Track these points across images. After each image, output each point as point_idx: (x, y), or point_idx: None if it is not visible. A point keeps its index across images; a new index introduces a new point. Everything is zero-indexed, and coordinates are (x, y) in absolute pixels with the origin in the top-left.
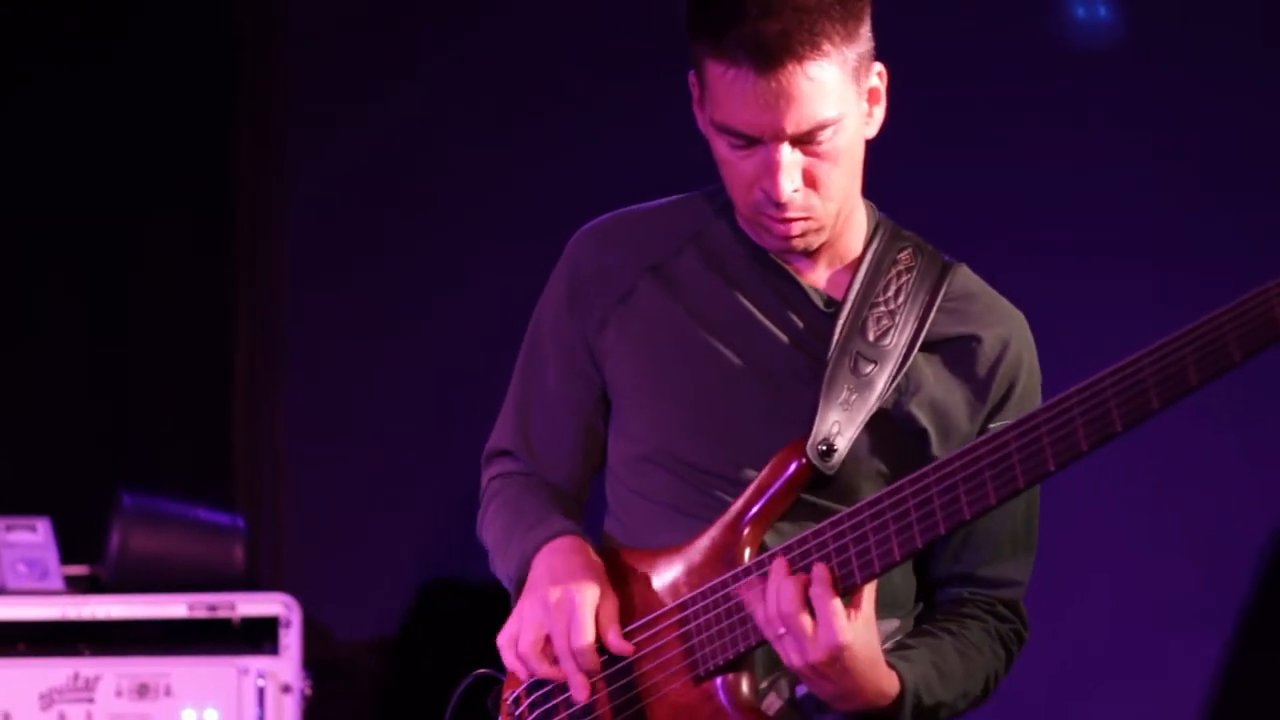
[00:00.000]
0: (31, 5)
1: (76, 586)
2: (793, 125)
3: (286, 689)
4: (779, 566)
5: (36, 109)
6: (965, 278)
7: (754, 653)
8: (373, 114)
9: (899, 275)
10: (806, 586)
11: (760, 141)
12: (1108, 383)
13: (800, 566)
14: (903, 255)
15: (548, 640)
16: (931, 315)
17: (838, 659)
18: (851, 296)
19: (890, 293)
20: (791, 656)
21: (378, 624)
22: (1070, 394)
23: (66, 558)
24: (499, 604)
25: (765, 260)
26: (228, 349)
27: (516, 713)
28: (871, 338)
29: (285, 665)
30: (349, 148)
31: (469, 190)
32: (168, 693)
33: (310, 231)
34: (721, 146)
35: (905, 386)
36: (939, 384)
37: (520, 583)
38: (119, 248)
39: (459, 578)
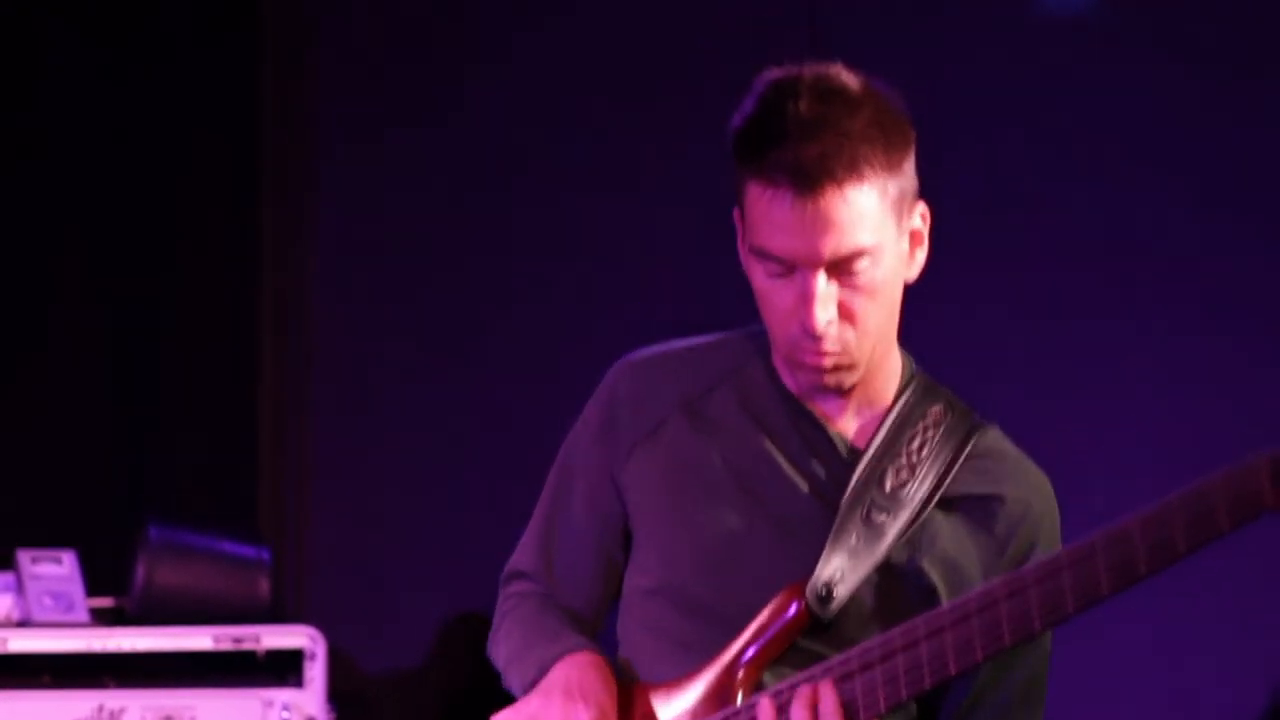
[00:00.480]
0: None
1: (102, 619)
2: (829, 250)
3: None
4: (765, 708)
5: (55, 114)
6: (994, 438)
7: None
8: (403, 116)
9: (925, 429)
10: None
11: (796, 269)
12: (1099, 544)
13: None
14: (934, 410)
15: None
16: (953, 472)
17: None
18: (874, 446)
19: (914, 445)
20: None
21: (402, 655)
22: (1061, 555)
23: (92, 590)
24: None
25: (795, 405)
26: (253, 382)
27: None
28: (888, 488)
29: (310, 697)
30: (377, 148)
31: (502, 206)
32: None
33: (337, 259)
34: (759, 276)
35: (918, 540)
36: (953, 541)
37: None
38: (143, 280)
39: (482, 610)
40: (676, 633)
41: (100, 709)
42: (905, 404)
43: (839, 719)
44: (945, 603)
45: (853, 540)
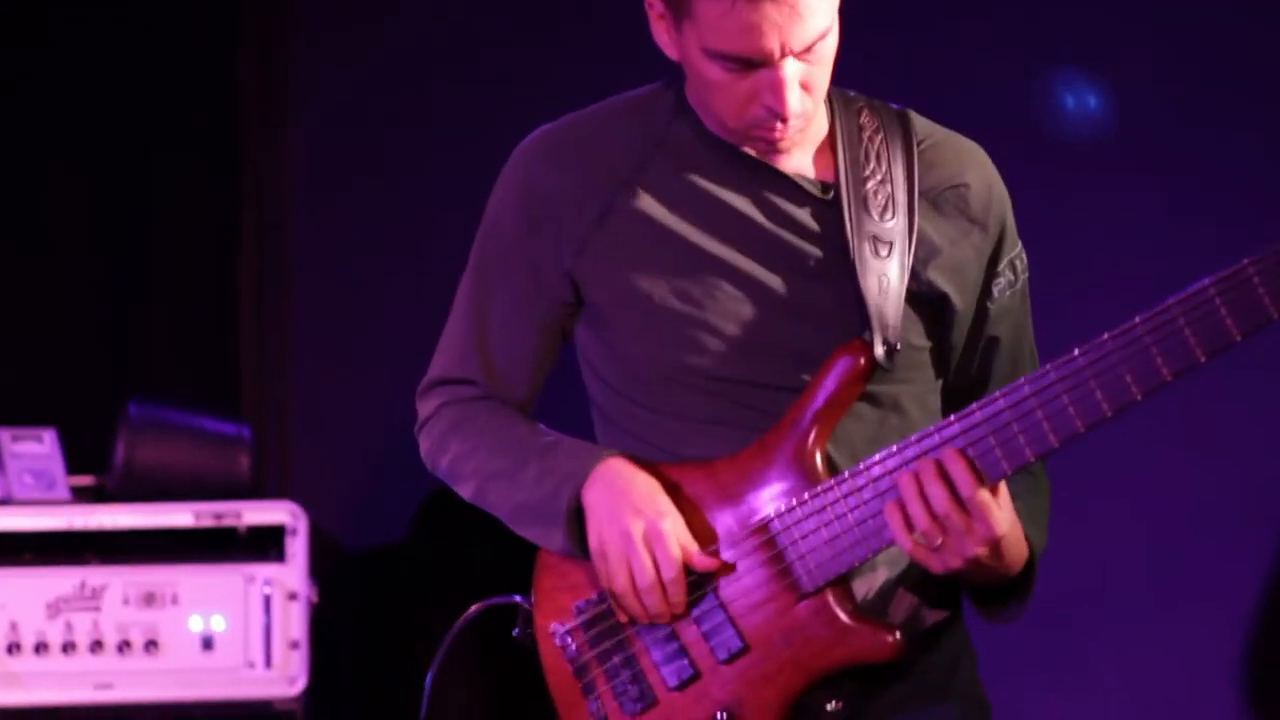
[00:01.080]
0: None
1: (83, 496)
2: (801, 40)
3: (293, 596)
4: (911, 476)
5: (39, 33)
6: (921, 123)
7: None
8: (378, 34)
9: (869, 139)
10: (951, 486)
11: (761, 65)
12: (1251, 270)
13: (889, 488)
14: (863, 117)
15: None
16: (916, 174)
17: (995, 548)
18: (843, 176)
19: (873, 162)
20: (948, 559)
21: (384, 532)
22: (1207, 284)
23: (72, 468)
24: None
25: (742, 158)
26: (234, 258)
27: (573, 645)
28: (877, 215)
29: (291, 573)
30: (354, 68)
31: (476, 104)
32: (174, 601)
33: (316, 146)
34: (713, 71)
35: (920, 256)
36: (946, 241)
37: (571, 517)
38: (124, 161)
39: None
40: (704, 412)
41: (82, 586)
42: (842, 126)
43: (971, 479)
44: (956, 303)
45: (875, 279)
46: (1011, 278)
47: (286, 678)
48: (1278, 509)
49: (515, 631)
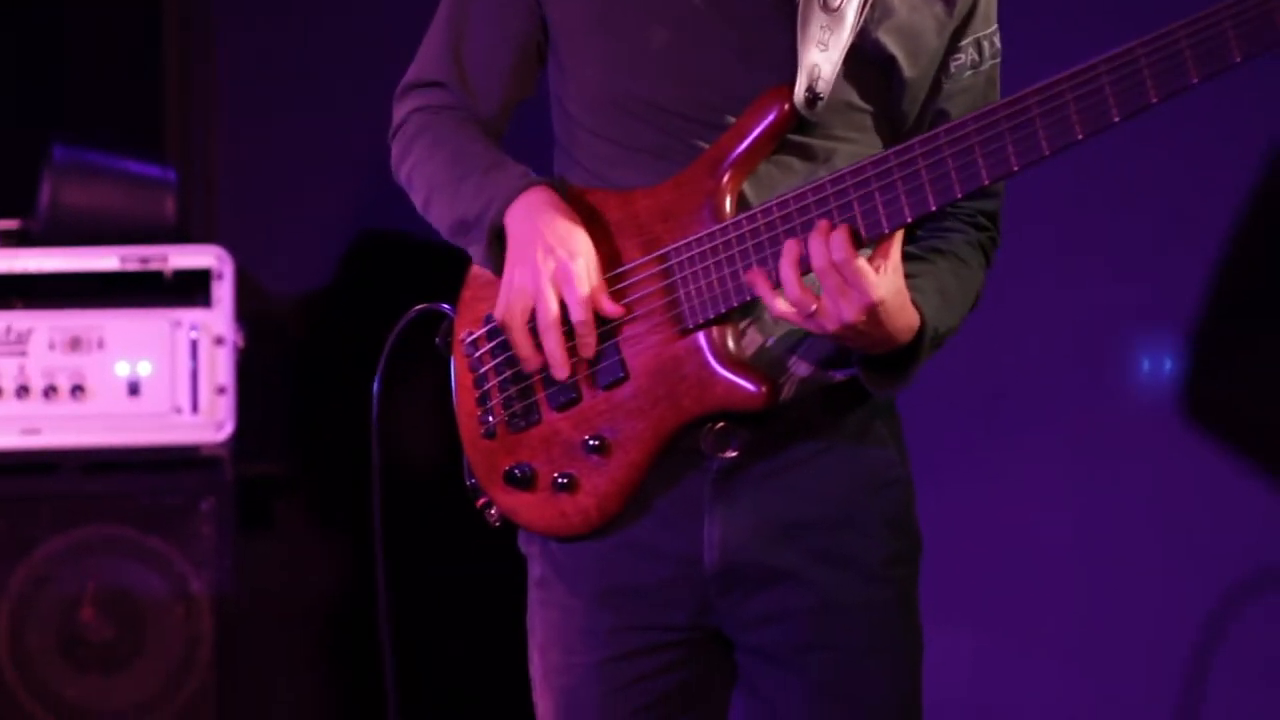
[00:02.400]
0: None
1: (7, 240)
2: None
3: (219, 341)
4: (793, 242)
5: None
6: None
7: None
8: None
9: None
10: (827, 248)
11: None
12: (1140, 52)
13: (801, 222)
14: None
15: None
16: None
17: (873, 314)
18: None
19: None
20: (823, 322)
21: (311, 276)
22: (1098, 61)
23: None
24: (433, 255)
25: None
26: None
27: (476, 354)
28: None
29: (218, 317)
30: None
31: None
32: (100, 345)
33: None
34: None
35: (873, 16)
36: (905, 6)
37: (492, 234)
38: None
39: (393, 229)
40: (639, 141)
41: (8, 330)
42: None
43: (846, 242)
44: (904, 68)
45: (818, 31)
46: (975, 57)
47: (214, 423)
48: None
49: (437, 339)
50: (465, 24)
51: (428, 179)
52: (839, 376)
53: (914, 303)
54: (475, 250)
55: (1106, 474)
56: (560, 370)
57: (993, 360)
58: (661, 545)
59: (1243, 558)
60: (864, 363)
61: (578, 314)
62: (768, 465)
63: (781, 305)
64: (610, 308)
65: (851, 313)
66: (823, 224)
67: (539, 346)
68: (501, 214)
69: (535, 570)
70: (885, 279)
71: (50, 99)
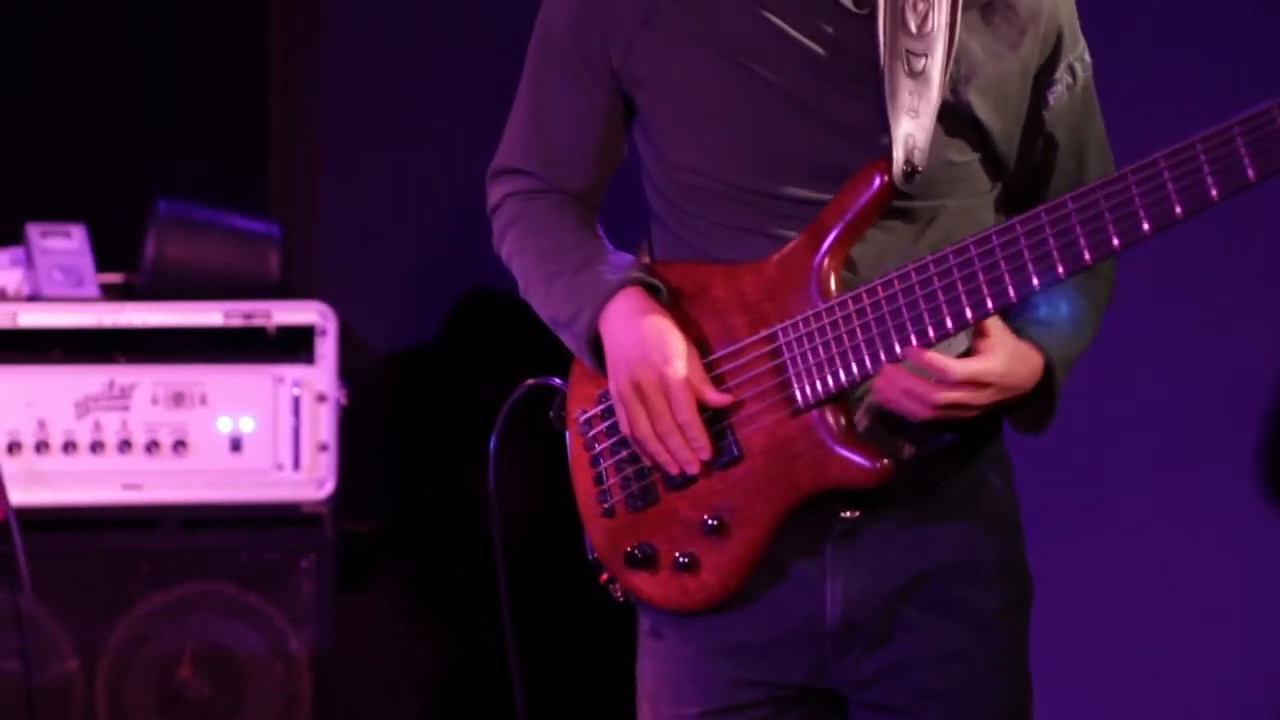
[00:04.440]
0: None
1: (112, 294)
2: None
3: (322, 398)
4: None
5: None
6: None
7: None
8: None
9: None
10: (931, 383)
11: None
12: (1237, 130)
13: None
14: None
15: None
16: None
17: (1000, 388)
18: None
19: None
20: (964, 415)
21: (413, 333)
22: (1196, 139)
23: (102, 265)
24: (536, 315)
25: None
26: (262, 52)
27: (590, 434)
28: (914, 28)
29: (321, 374)
30: None
31: None
32: (203, 401)
33: None
34: None
35: (959, 73)
36: (989, 57)
37: (590, 340)
38: None
39: (495, 286)
40: (735, 220)
41: (111, 385)
42: None
43: (944, 366)
44: (995, 130)
45: (907, 98)
46: (1070, 80)
47: (315, 480)
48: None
49: (550, 414)
50: (546, 109)
51: (522, 271)
52: (953, 439)
53: (1037, 342)
54: (575, 349)
55: (1198, 545)
56: (692, 468)
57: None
58: (783, 601)
59: None
60: (1007, 410)
61: (681, 415)
62: (889, 524)
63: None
64: (715, 398)
65: (985, 399)
66: (900, 369)
67: (667, 450)
68: (593, 322)
69: (646, 621)
70: (996, 354)
71: (156, 153)
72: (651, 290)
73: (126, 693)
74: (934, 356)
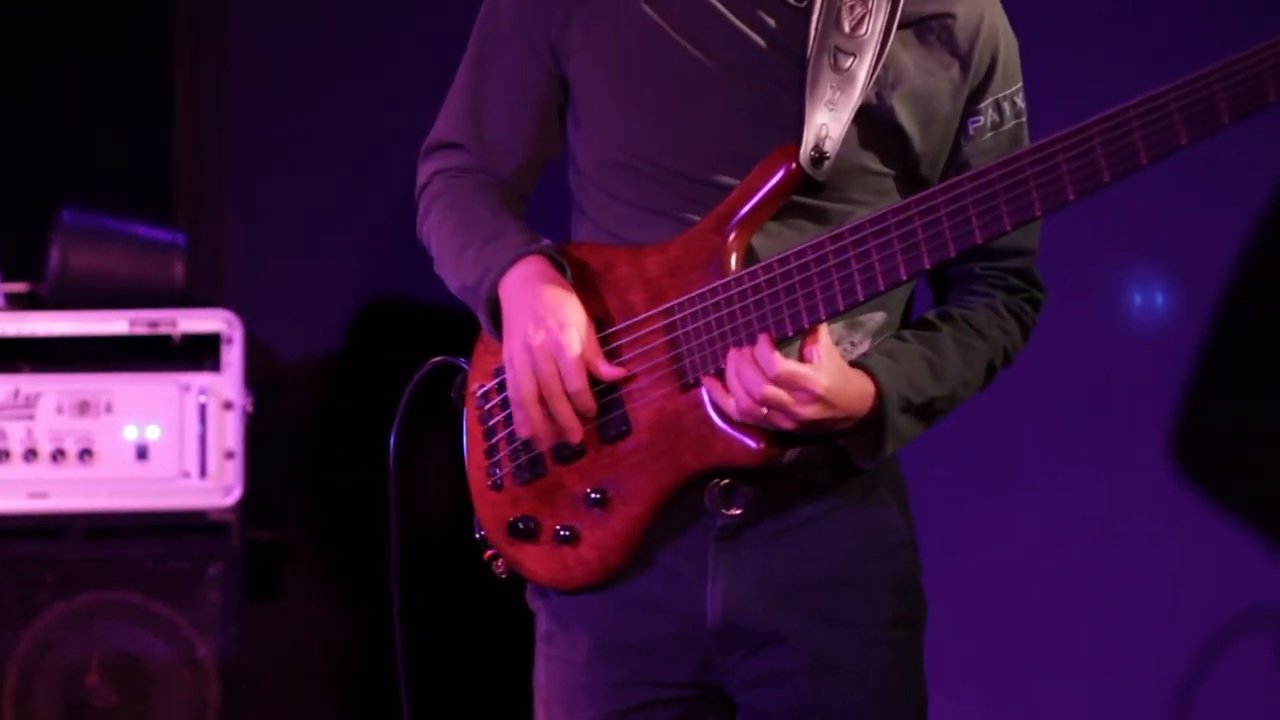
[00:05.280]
0: None
1: (16, 304)
2: None
3: (228, 405)
4: (731, 359)
5: None
6: None
7: None
8: None
9: None
10: (759, 368)
11: None
12: (1133, 114)
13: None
14: None
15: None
16: None
17: (824, 403)
18: None
19: None
20: (781, 422)
21: (319, 340)
22: (1092, 122)
23: (6, 275)
24: (441, 319)
25: None
26: (168, 63)
27: (486, 407)
28: (847, 28)
29: (227, 382)
30: None
31: None
32: (109, 409)
33: None
34: None
35: (885, 79)
36: (919, 71)
37: (489, 305)
38: None
39: (401, 293)
40: (650, 200)
41: (16, 394)
42: None
43: (772, 358)
44: (916, 140)
45: (828, 91)
46: (995, 118)
47: (221, 488)
48: None
49: (451, 393)
50: (485, 84)
51: (440, 243)
52: (842, 439)
53: (872, 370)
54: (479, 317)
55: (1116, 542)
56: (574, 436)
57: (1003, 427)
58: (664, 601)
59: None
60: (843, 434)
61: (570, 384)
62: (772, 525)
63: (736, 416)
64: (606, 370)
65: (804, 409)
66: (745, 350)
67: (549, 416)
68: (495, 286)
69: (541, 625)
70: (823, 366)
71: (60, 163)
72: (556, 265)
73: (34, 701)
74: (765, 347)
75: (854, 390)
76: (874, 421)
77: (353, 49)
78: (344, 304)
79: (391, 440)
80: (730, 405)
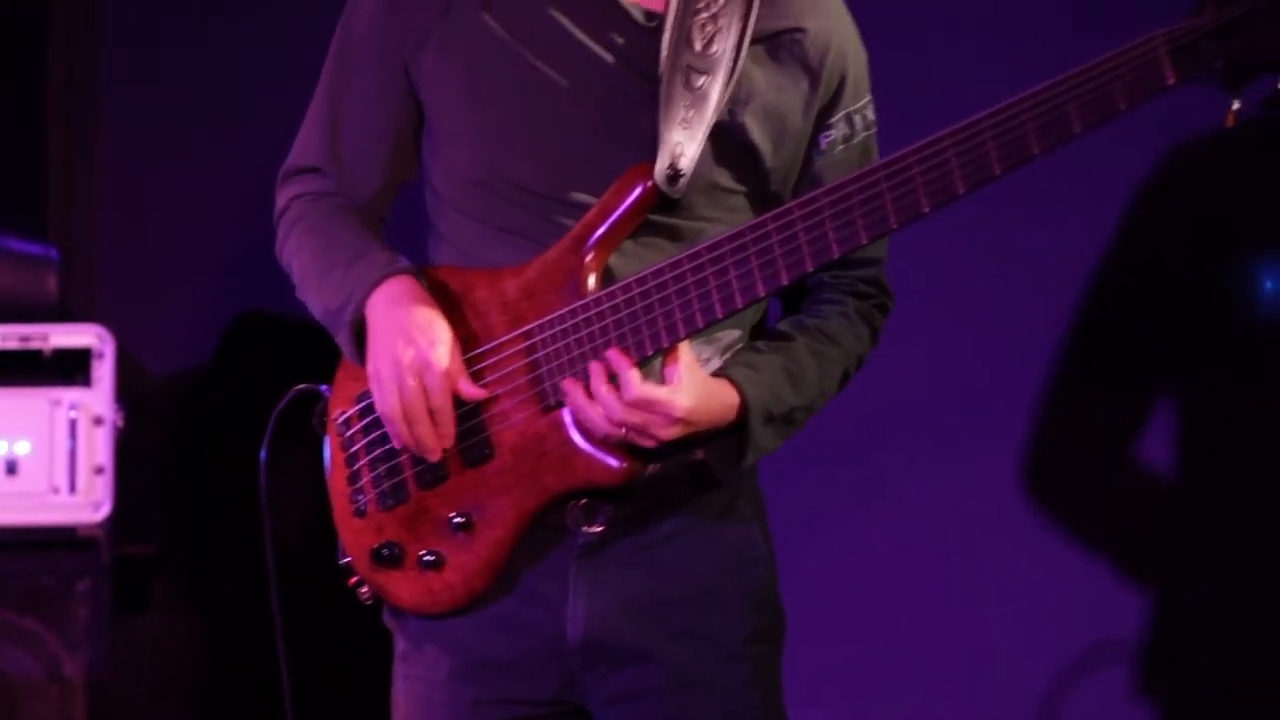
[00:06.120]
0: None
1: None
2: None
3: (99, 421)
4: (573, 390)
5: None
6: None
7: None
8: None
9: None
10: (616, 392)
11: None
12: (986, 124)
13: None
14: None
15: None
16: (754, 12)
17: (685, 424)
18: (672, 6)
19: None
20: (643, 441)
21: (191, 356)
22: (945, 134)
23: None
24: (311, 337)
25: None
26: (41, 74)
27: (348, 434)
28: (699, 47)
29: (98, 397)
30: None
31: None
32: None
33: None
34: None
35: (738, 96)
36: (770, 87)
37: (354, 326)
38: None
39: (272, 310)
40: (506, 220)
41: None
42: None
43: (631, 377)
44: (767, 156)
45: (681, 110)
46: (846, 131)
47: (91, 503)
48: None
49: (313, 420)
50: (342, 108)
51: (301, 267)
52: (701, 454)
53: (736, 380)
54: (341, 341)
55: (972, 551)
56: (433, 455)
57: (860, 432)
58: (526, 620)
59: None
60: (703, 443)
61: (435, 400)
62: (632, 542)
63: (599, 435)
64: (469, 390)
65: (664, 431)
66: (597, 366)
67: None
68: (361, 306)
69: (399, 645)
70: (683, 386)
71: None
72: (420, 284)
73: None
74: (622, 366)
75: (717, 403)
76: (736, 431)
77: (232, 59)
78: (217, 318)
79: (262, 456)
80: (591, 420)
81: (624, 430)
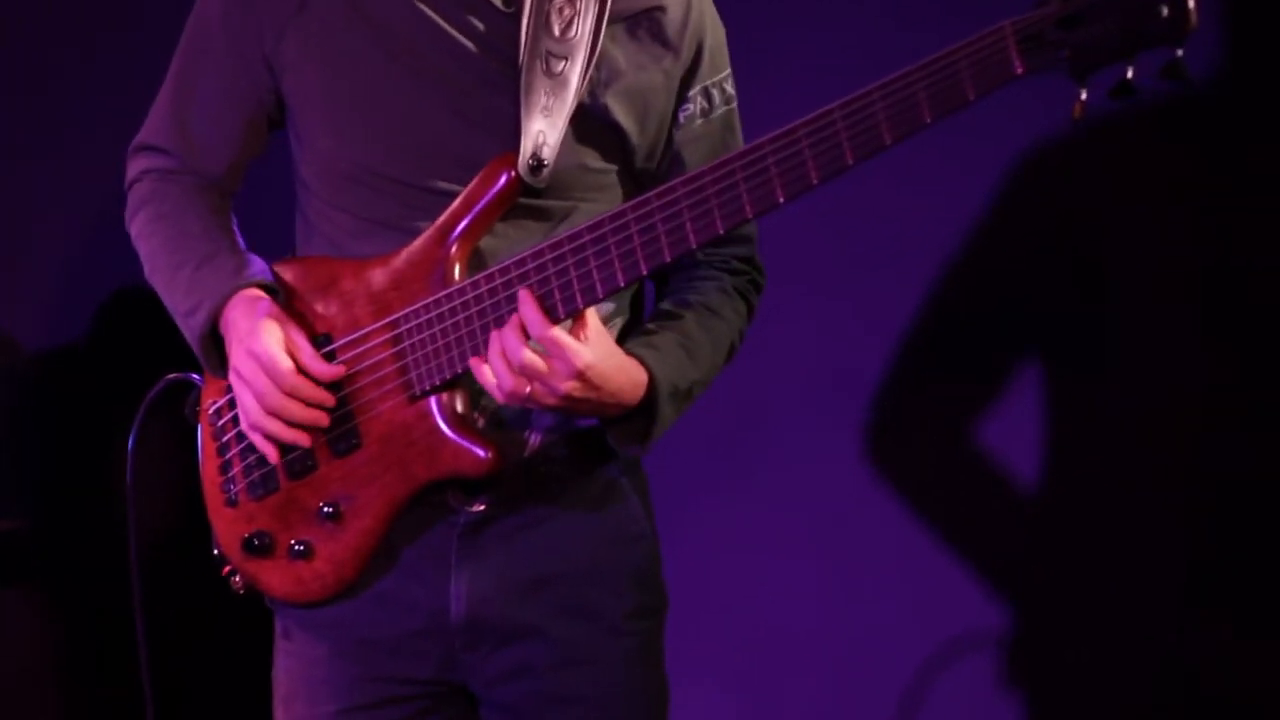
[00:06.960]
0: None
1: None
2: None
3: None
4: (494, 335)
5: None
6: None
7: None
8: None
9: None
10: (523, 329)
11: None
12: (838, 115)
13: (505, 296)
14: None
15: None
16: None
17: (585, 379)
18: None
19: None
20: (542, 397)
21: (61, 331)
22: (799, 124)
23: None
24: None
25: None
26: None
27: (219, 423)
28: (557, 31)
29: None
30: None
31: None
32: None
33: None
34: None
35: (599, 78)
36: (631, 66)
37: (204, 337)
38: None
39: (146, 285)
40: (371, 211)
41: None
42: None
43: (540, 319)
44: (633, 135)
45: (542, 97)
46: (705, 105)
47: None
48: None
49: (185, 409)
50: (192, 88)
51: (150, 254)
52: (584, 424)
53: (643, 360)
54: (190, 343)
55: (850, 531)
56: (303, 441)
57: (742, 415)
58: (408, 597)
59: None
60: (609, 423)
61: (284, 383)
62: (515, 520)
63: (501, 396)
64: (322, 369)
65: (562, 383)
66: (514, 317)
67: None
68: (212, 318)
69: (279, 624)
70: (590, 344)
71: None
72: (269, 292)
73: None
74: (531, 308)
75: (627, 379)
76: (643, 410)
77: (89, 38)
78: (87, 293)
79: (130, 445)
80: (491, 382)
81: (525, 383)
